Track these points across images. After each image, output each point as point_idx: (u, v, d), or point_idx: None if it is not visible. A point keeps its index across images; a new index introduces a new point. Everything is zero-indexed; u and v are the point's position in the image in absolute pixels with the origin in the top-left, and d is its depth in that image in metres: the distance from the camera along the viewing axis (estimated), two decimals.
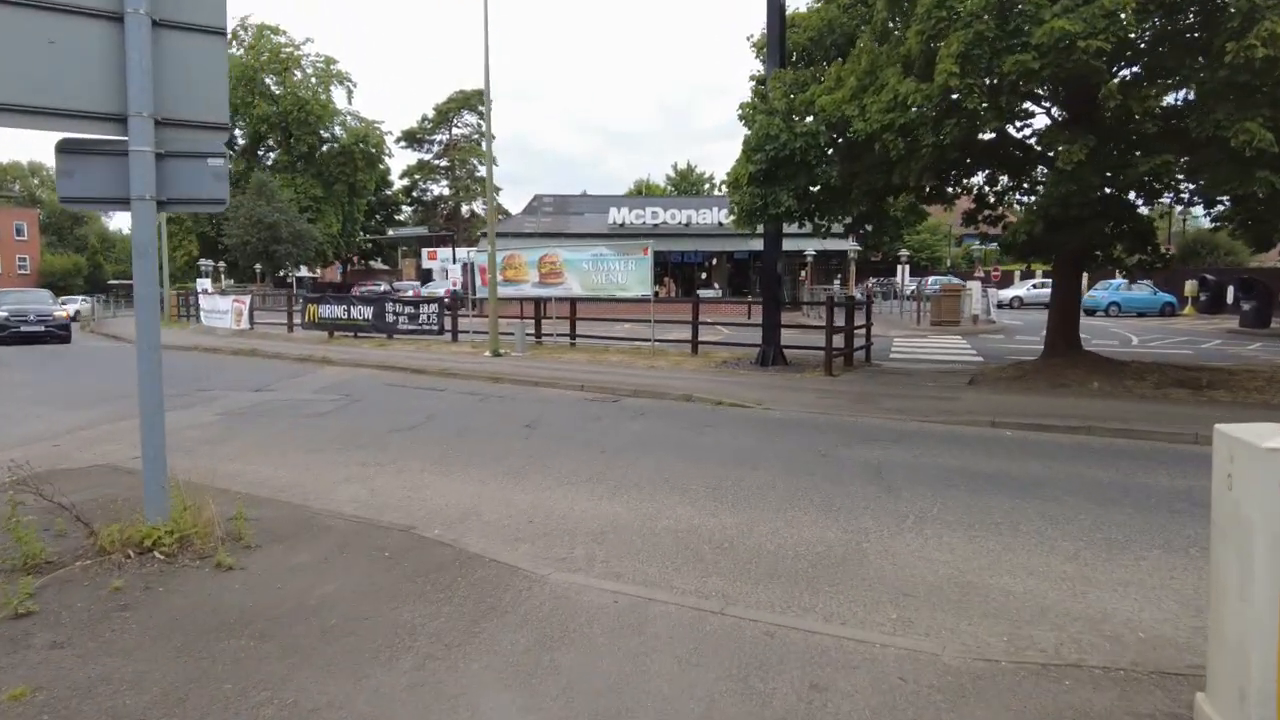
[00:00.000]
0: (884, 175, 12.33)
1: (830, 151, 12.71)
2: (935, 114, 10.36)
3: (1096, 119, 11.74)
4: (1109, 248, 13.68)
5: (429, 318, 20.93)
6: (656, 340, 18.20)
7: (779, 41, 14.24)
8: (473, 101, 77.63)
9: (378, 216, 73.99)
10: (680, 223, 36.27)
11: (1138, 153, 10.52)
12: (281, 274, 58.76)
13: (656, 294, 39.06)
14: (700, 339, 18.02)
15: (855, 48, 12.52)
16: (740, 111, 13.35)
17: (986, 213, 15.57)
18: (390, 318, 21.47)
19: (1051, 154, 12.97)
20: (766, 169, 12.65)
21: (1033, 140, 13.29)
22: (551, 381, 13.66)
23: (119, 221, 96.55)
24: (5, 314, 23.36)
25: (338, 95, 62.92)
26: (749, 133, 12.96)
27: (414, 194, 79.92)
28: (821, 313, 16.89)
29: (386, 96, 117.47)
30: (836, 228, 14.83)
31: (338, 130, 60.83)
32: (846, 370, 14.75)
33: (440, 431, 9.53)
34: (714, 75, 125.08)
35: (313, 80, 59.54)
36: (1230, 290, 34.23)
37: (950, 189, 15.22)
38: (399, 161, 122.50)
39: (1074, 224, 10.82)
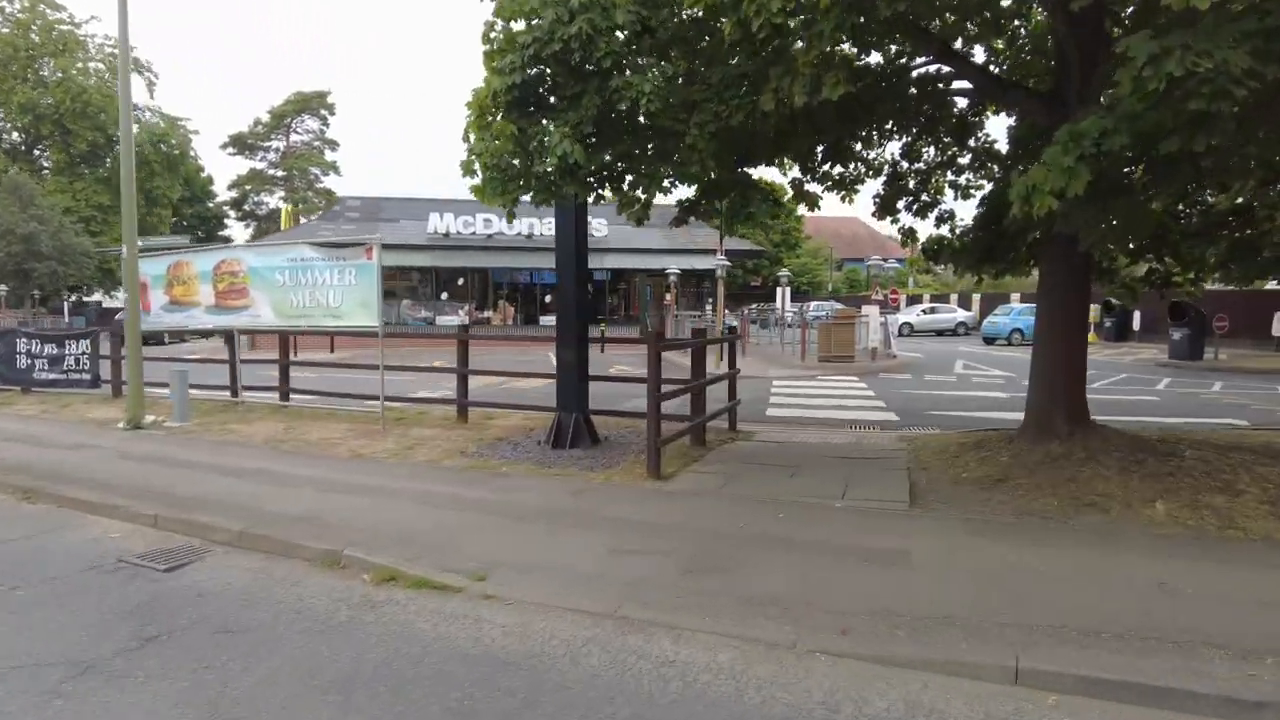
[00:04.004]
0: (746, 98, 6.29)
1: (645, 48, 6.59)
2: None
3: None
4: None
5: (78, 362, 13.52)
6: (395, 400, 11.74)
7: None
8: (314, 105, 69.08)
9: (199, 232, 63.87)
10: (520, 234, 29.52)
11: None
12: (75, 298, 48.66)
13: (487, 319, 32.04)
14: (497, 399, 11.61)
15: None
16: None
17: (909, 199, 9.97)
18: (23, 363, 13.92)
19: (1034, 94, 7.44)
20: (528, 82, 6.45)
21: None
22: (113, 505, 6.88)
23: None
24: None
25: (136, 87, 53.07)
26: (497, 23, 6.75)
27: (245, 206, 70.22)
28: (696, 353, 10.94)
29: (215, 96, 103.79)
30: (669, 207, 8.70)
31: (133, 128, 51.15)
32: (693, 454, 8.66)
33: None
34: None
35: (100, 67, 49.85)
36: (1136, 316, 31.02)
37: (851, 163, 9.53)
38: (229, 170, 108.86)
39: (1142, 183, 5.07)
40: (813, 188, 9.42)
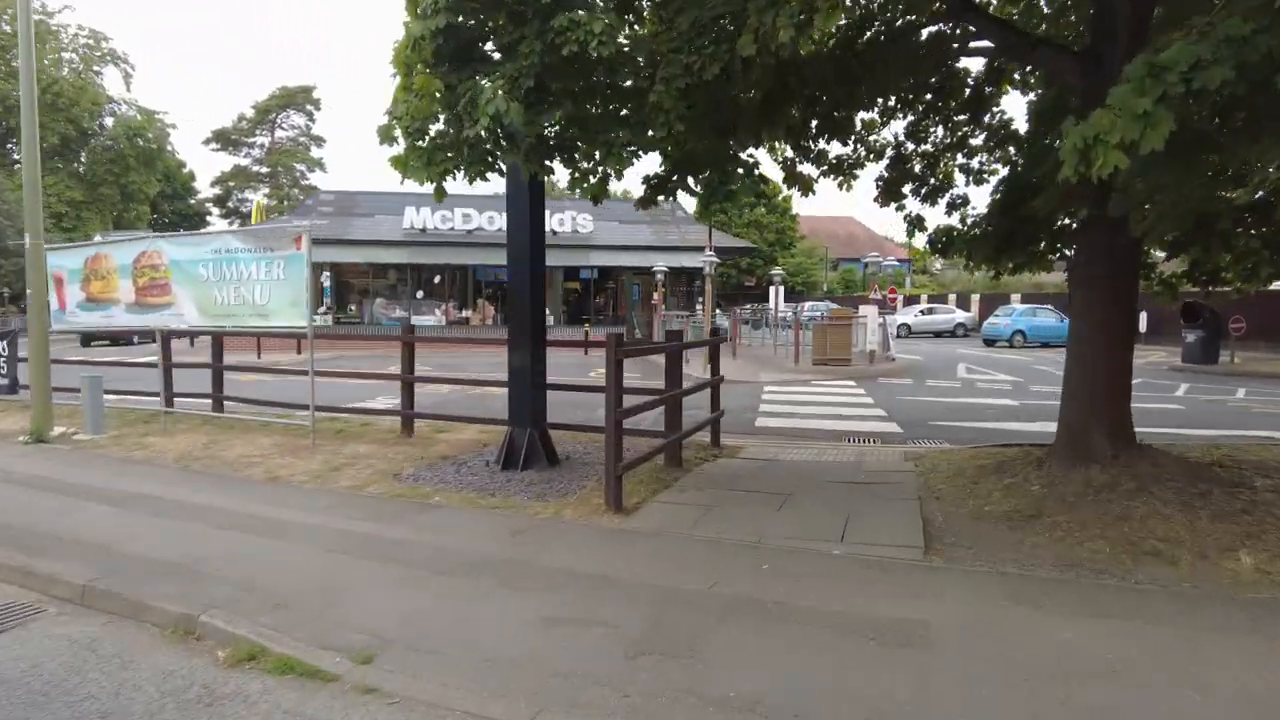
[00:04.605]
0: (722, 45, 5.06)
1: None
2: None
3: None
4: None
5: None
6: (341, 411, 10.50)
7: None
8: (299, 100, 67.55)
9: (181, 229, 62.45)
10: (502, 229, 28.14)
11: None
12: None
13: (466, 319, 30.38)
14: (454, 410, 10.36)
15: None
16: None
17: (916, 183, 8.77)
18: None
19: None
20: (457, 28, 5.23)
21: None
22: None
23: None
24: None
25: (112, 79, 51.65)
26: None
27: (229, 204, 68.74)
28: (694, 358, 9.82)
29: (210, 93, 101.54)
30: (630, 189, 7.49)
31: (108, 121, 49.69)
32: (666, 477, 7.40)
33: None
34: None
35: (73, 58, 48.37)
36: (1143, 318, 29.89)
37: (849, 141, 8.32)
38: (213, 166, 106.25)
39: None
40: (807, 169, 8.21)
